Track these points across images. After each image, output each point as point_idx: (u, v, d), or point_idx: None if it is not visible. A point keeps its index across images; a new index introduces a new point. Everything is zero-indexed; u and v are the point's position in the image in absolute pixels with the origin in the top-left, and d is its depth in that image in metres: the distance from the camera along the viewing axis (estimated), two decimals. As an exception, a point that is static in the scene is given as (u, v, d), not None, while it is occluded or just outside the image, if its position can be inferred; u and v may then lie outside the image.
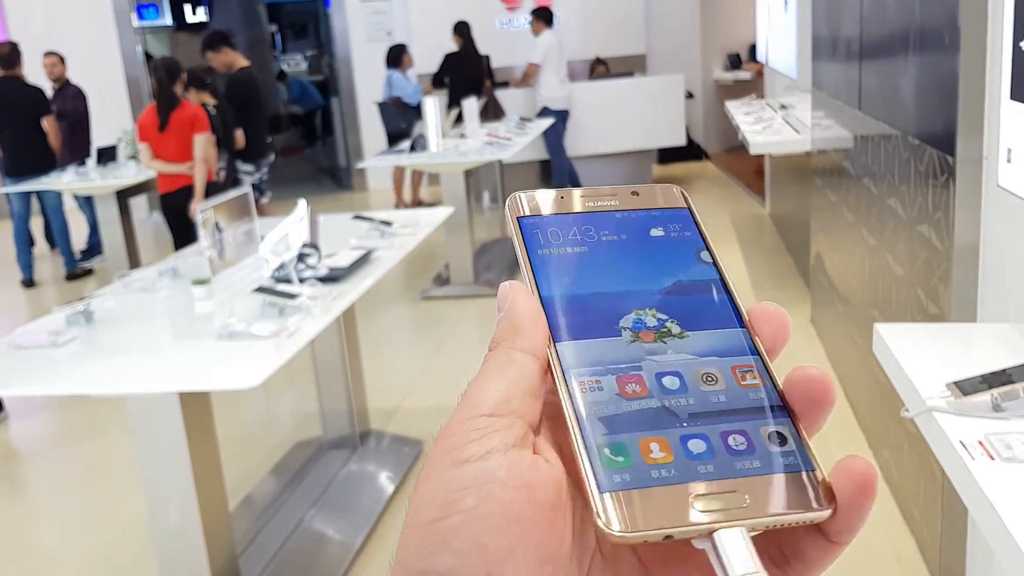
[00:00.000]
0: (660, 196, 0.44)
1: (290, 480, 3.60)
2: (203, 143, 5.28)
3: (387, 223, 3.60)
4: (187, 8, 13.71)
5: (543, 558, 0.33)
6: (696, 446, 0.36)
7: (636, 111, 8.56)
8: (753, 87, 9.02)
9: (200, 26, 13.27)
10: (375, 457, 3.76)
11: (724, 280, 0.41)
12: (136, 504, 3.28)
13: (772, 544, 0.36)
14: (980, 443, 1.55)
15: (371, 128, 9.02)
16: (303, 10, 15.15)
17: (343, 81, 9.75)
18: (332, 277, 2.95)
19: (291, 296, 2.69)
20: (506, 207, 0.44)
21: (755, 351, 0.39)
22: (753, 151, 5.39)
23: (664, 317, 0.39)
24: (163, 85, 5.28)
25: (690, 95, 9.61)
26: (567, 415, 0.37)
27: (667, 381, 0.38)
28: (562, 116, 8.20)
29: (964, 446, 1.55)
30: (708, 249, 0.42)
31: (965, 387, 1.66)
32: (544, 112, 8.10)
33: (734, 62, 10.25)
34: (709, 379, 0.38)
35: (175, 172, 5.35)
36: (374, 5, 9.40)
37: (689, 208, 0.44)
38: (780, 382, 0.38)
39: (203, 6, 13.75)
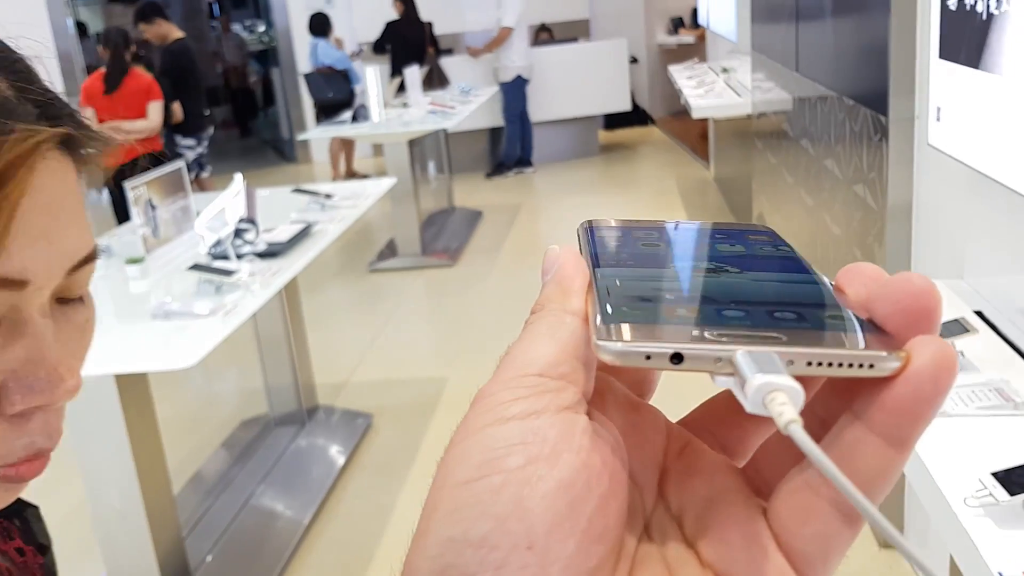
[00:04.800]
0: (746, 225, 0.41)
1: (237, 458, 3.56)
2: (159, 111, 5.29)
3: (328, 196, 3.54)
4: (120, -22, 13.29)
5: (596, 535, 0.29)
6: (733, 312, 0.30)
7: (581, 77, 8.54)
8: (696, 51, 9.04)
9: (134, -3, 12.89)
10: (323, 432, 3.73)
11: (803, 260, 0.36)
12: (76, 489, 3.21)
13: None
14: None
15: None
16: (239, -22, 14.78)
17: (283, 51, 9.56)
18: (271, 252, 2.90)
19: (228, 273, 2.64)
20: (578, 232, 0.41)
21: (823, 281, 0.33)
22: (695, 115, 5.40)
23: (723, 265, 0.35)
24: (119, 51, 5.24)
25: (634, 60, 9.60)
26: (588, 296, 0.32)
27: (710, 281, 0.33)
28: (526, 83, 8.13)
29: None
30: (790, 249, 0.37)
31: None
32: (517, 80, 7.99)
33: (677, 26, 10.25)
34: (763, 285, 0.33)
35: (137, 132, 5.30)
36: (312, -28, 9.20)
37: (773, 231, 0.39)
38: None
39: (136, -24, 13.34)
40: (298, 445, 3.61)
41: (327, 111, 7.55)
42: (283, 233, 3.04)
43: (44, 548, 0.69)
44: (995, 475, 1.33)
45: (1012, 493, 1.30)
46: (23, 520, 0.68)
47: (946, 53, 1.98)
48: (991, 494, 1.31)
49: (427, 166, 7.34)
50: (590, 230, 0.39)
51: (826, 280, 0.33)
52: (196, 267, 2.66)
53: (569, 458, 0.29)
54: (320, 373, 3.99)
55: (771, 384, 0.27)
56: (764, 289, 0.32)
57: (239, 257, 2.83)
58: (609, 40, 8.89)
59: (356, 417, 3.81)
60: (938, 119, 2.03)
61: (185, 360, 2.30)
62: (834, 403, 0.30)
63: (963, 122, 1.91)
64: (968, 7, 1.84)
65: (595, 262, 0.35)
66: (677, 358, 0.28)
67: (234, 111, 10.91)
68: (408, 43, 8.02)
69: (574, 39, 9.17)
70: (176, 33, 6.26)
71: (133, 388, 2.60)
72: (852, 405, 0.29)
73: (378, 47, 8.22)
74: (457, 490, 0.29)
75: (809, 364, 0.28)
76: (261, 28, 13.06)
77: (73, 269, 0.49)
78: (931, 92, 2.06)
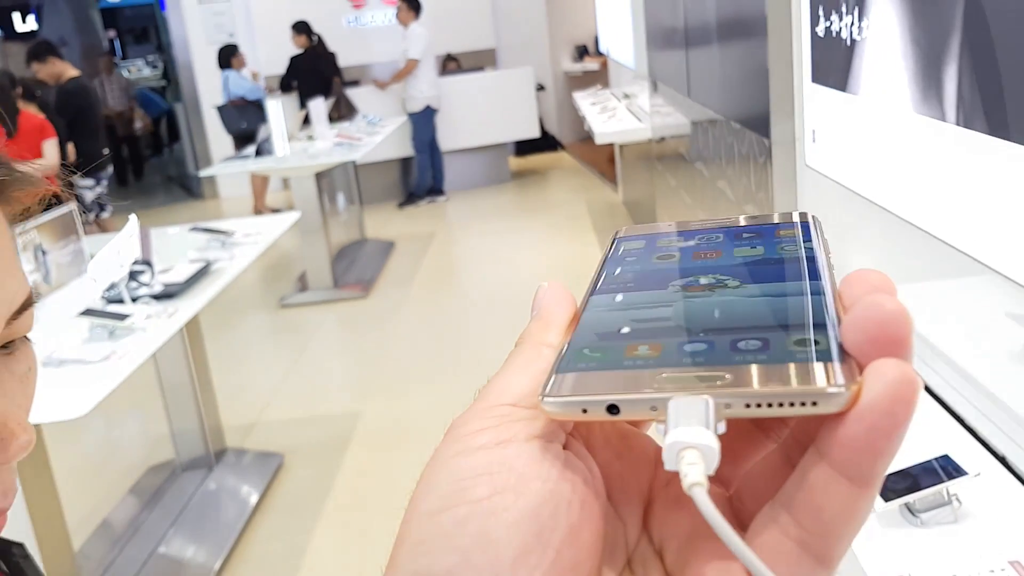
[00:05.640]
0: (782, 215, 0.39)
1: (144, 506, 3.45)
2: (54, 148, 5.12)
3: (227, 233, 3.49)
4: (16, 17, 12.94)
5: (565, 567, 0.28)
6: (693, 347, 0.29)
7: (489, 105, 8.61)
8: (600, 77, 9.21)
9: (31, 35, 12.56)
10: (233, 474, 3.65)
11: (820, 260, 0.34)
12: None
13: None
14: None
15: (218, 133, 8.75)
16: (140, 14, 14.54)
17: (186, 85, 9.41)
18: (167, 294, 2.83)
19: (121, 317, 2.57)
20: (610, 239, 0.40)
21: (824, 291, 0.31)
22: (599, 141, 5.50)
23: (726, 278, 0.33)
24: (5, 92, 5.06)
25: (541, 87, 9.73)
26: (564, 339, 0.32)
27: (692, 305, 0.32)
28: (435, 113, 8.15)
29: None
30: (819, 249, 0.35)
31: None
32: (427, 111, 8.01)
33: (582, 53, 10.44)
34: (747, 305, 0.31)
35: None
36: (213, 7, 9.10)
37: (807, 222, 0.37)
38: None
39: (32, 14, 13.01)
40: (207, 489, 3.52)
41: (243, 144, 7.48)
42: (180, 273, 2.98)
43: None
44: (871, 483, 1.38)
45: (887, 499, 1.35)
46: (9, 562, 0.65)
47: (818, 77, 2.06)
48: (868, 502, 1.35)
49: (336, 198, 7.29)
50: (614, 242, 0.39)
51: (834, 286, 0.32)
52: (88, 312, 2.59)
53: (536, 487, 0.28)
54: (229, 414, 3.91)
55: (681, 442, 0.26)
56: (747, 310, 0.31)
57: (134, 300, 2.77)
58: (516, 68, 8.99)
59: (267, 457, 3.73)
60: (813, 140, 2.11)
61: (77, 409, 2.23)
62: (814, 433, 0.29)
63: (834, 143, 1.99)
64: (834, 34, 1.93)
65: (594, 287, 0.35)
66: (613, 409, 0.27)
67: (117, 157, 10.40)
68: (314, 76, 7.98)
69: (481, 68, 9.25)
70: (71, 72, 6.12)
71: (24, 441, 2.50)
72: (816, 440, 0.27)
73: (284, 84, 8.17)
74: (424, 521, 0.29)
75: (747, 406, 0.27)
76: (163, 63, 12.86)
77: (12, 318, 0.47)
78: (806, 115, 2.15)
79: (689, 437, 0.26)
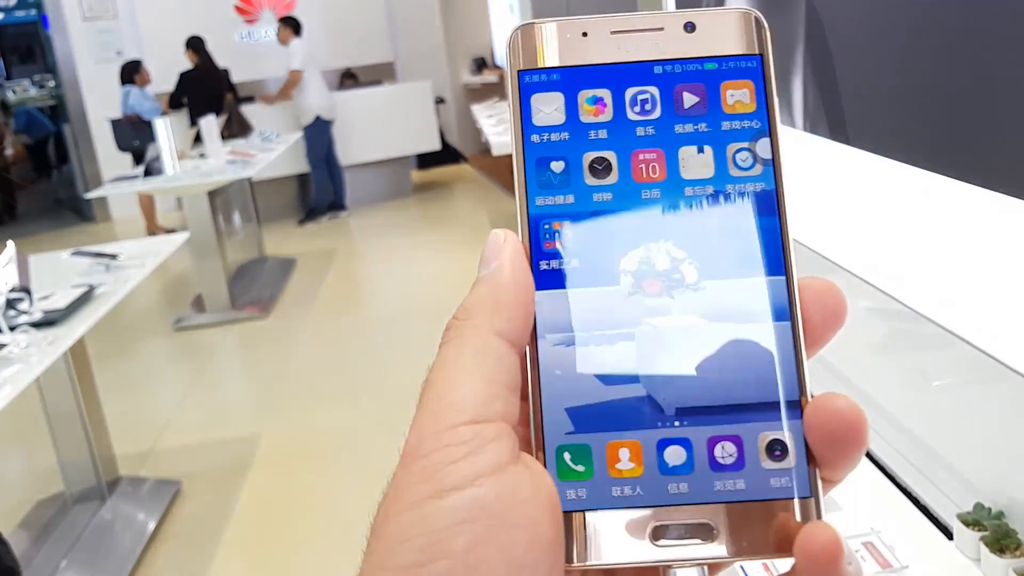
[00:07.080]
0: (725, 33, 0.32)
1: (33, 541, 3.32)
2: None
3: (112, 256, 3.40)
4: None
5: None
6: (674, 456, 0.30)
7: (389, 119, 8.59)
8: (499, 90, 9.29)
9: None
10: (127, 504, 3.54)
11: (779, 191, 0.31)
12: None
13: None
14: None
15: (108, 153, 8.50)
16: (23, 32, 14.01)
17: (73, 105, 9.12)
18: (48, 321, 2.74)
19: (-3, 347, 2.48)
20: (507, 48, 0.33)
21: (788, 315, 0.31)
22: (495, 152, 5.55)
23: (681, 256, 0.31)
24: None
25: (441, 100, 9.76)
26: (530, 400, 0.31)
27: (660, 361, 0.31)
28: (328, 125, 8.07)
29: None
30: (771, 135, 0.32)
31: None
32: (317, 122, 7.92)
33: (480, 65, 10.51)
34: (715, 360, 0.30)
35: None
36: (99, 24, 8.84)
37: (762, 55, 0.32)
38: (807, 372, 0.30)
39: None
40: (100, 521, 3.41)
41: (140, 162, 7.31)
42: (61, 300, 2.89)
43: (12, 572, 0.68)
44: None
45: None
46: None
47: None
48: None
49: (232, 217, 7.16)
50: (521, 88, 0.33)
51: (793, 288, 0.31)
52: (-40, 344, 2.49)
53: (518, 537, 0.27)
54: (124, 442, 3.79)
55: None
56: (715, 370, 0.30)
57: (12, 329, 2.67)
58: (415, 82, 9.00)
59: (164, 485, 3.64)
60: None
61: (-52, 445, 2.14)
62: None
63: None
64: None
65: (532, 226, 0.33)
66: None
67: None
68: (205, 92, 7.83)
69: (379, 82, 9.22)
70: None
71: None
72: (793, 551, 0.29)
73: (174, 101, 7.98)
74: None
75: (735, 563, 0.30)
76: (51, 83, 12.40)
77: None
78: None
79: None
